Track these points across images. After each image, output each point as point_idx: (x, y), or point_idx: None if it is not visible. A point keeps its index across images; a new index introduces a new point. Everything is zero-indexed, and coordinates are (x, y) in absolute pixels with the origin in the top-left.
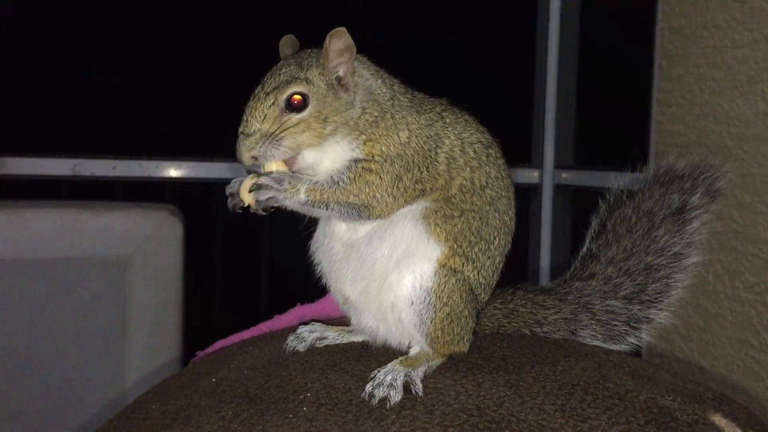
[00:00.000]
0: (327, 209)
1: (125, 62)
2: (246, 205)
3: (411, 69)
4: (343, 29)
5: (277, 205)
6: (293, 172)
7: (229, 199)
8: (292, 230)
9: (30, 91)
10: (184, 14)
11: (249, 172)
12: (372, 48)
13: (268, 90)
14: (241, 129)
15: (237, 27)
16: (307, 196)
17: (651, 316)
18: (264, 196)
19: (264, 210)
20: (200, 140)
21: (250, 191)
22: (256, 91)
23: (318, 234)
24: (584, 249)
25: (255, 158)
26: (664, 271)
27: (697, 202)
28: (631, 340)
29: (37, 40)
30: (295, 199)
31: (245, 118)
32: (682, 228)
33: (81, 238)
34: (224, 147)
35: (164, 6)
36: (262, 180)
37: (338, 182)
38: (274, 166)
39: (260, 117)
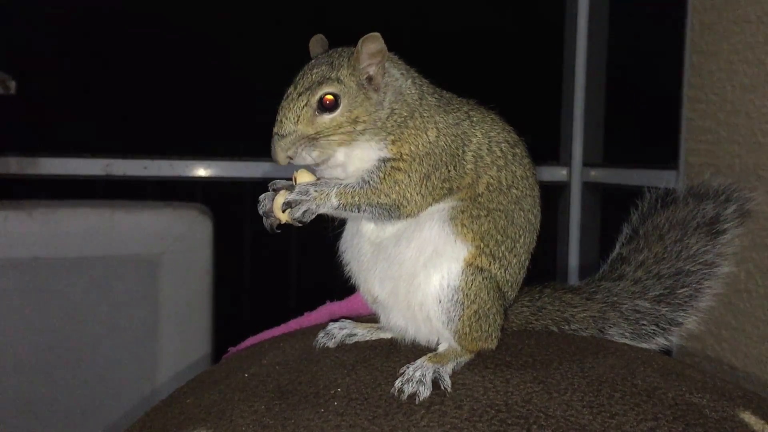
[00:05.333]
0: (359, 211)
1: (156, 64)
2: (283, 222)
3: (439, 67)
4: (377, 35)
5: (313, 216)
6: (321, 175)
7: (265, 219)
8: (321, 229)
9: (63, 94)
10: (214, 15)
11: (274, 190)
12: (399, 45)
13: (301, 90)
14: (275, 130)
15: (265, 28)
16: (339, 200)
17: (679, 319)
18: (299, 211)
19: (300, 223)
20: (230, 140)
21: (283, 210)
22: (289, 91)
23: (346, 234)
24: (614, 253)
25: (290, 158)
26: (694, 276)
27: (730, 215)
28: (660, 340)
29: (69, 44)
30: (328, 204)
31: (279, 118)
32: (715, 238)
33: (113, 236)
34: (253, 147)
35: (194, 7)
36: (291, 197)
37: (369, 182)
38: (301, 177)
39: (294, 118)
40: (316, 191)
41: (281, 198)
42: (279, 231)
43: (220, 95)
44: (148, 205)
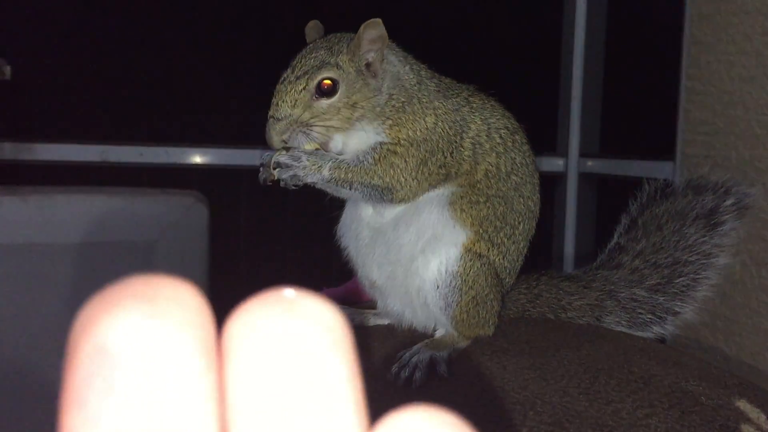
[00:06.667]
0: (350, 188)
1: (152, 50)
2: (276, 179)
3: (438, 55)
4: (378, 20)
5: (300, 183)
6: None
7: (261, 171)
8: (317, 215)
9: (59, 79)
10: (211, 3)
11: (286, 149)
12: (398, 33)
13: (299, 74)
14: (271, 113)
15: (261, 14)
16: (331, 173)
17: (676, 309)
18: (285, 174)
19: (294, 185)
20: (226, 127)
21: (273, 168)
22: (286, 75)
23: (345, 218)
24: (612, 242)
25: (285, 142)
26: (691, 266)
27: (729, 207)
28: (656, 329)
29: (65, 29)
30: (317, 176)
31: (275, 101)
32: (713, 229)
33: (108, 223)
34: (249, 134)
35: None
36: (280, 158)
37: (363, 162)
38: (308, 146)
39: (291, 102)
40: (308, 160)
41: (276, 156)
42: (270, 185)
43: (217, 82)
44: (144, 192)
